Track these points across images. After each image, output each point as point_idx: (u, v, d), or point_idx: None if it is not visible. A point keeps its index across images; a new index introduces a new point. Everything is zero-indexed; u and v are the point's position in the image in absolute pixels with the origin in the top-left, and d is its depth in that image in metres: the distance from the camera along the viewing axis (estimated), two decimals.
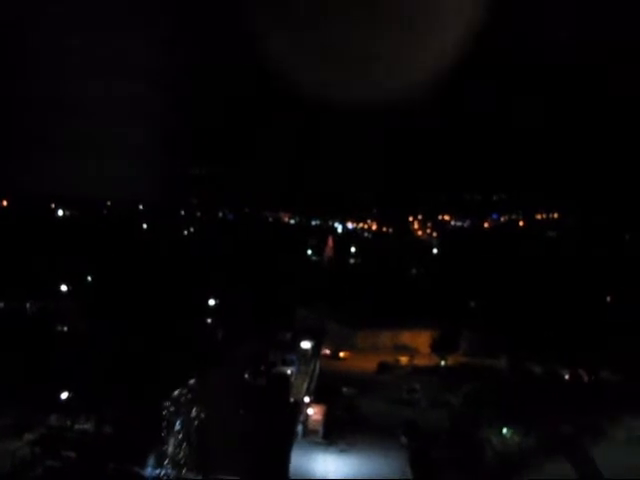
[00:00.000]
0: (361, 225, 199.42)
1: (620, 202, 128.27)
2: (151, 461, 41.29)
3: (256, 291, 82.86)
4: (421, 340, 76.66)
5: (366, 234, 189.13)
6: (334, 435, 51.37)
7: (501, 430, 49.65)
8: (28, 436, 44.09)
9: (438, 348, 73.67)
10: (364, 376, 67.94)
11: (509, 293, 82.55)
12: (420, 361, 73.57)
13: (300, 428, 51.77)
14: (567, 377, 66.41)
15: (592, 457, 45.52)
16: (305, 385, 60.26)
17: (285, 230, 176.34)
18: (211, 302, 79.90)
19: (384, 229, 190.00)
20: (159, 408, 41.93)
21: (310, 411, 53.20)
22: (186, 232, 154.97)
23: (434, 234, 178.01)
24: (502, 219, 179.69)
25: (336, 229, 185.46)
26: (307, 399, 55.92)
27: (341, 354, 76.01)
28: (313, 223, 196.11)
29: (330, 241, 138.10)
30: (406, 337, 79.82)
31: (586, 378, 65.80)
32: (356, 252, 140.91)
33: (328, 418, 52.87)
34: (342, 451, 49.26)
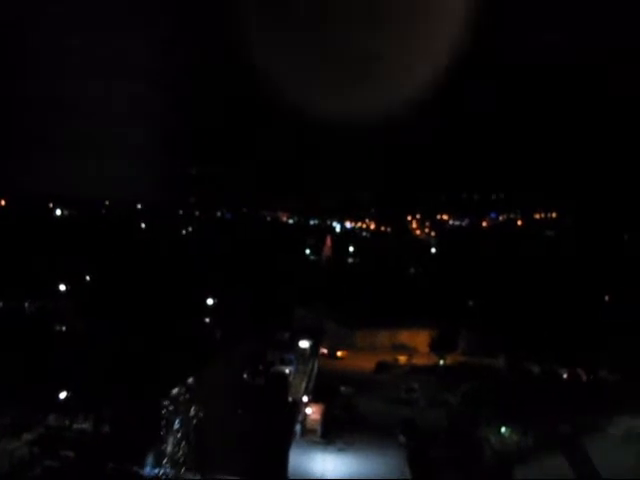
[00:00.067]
0: (359, 225, 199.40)
1: (618, 202, 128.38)
2: (150, 460, 41.32)
3: (254, 291, 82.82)
4: (419, 339, 76.72)
5: (364, 234, 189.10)
6: (332, 434, 51.41)
7: (499, 429, 49.66)
8: (26, 436, 44.03)
9: (436, 347, 73.74)
10: (362, 375, 68.03)
11: (507, 292, 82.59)
12: (418, 360, 73.64)
13: (298, 427, 51.82)
14: (565, 376, 66.47)
15: (590, 456, 45.52)
16: (303, 384, 60.29)
17: (283, 229, 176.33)
18: (209, 302, 79.85)
19: (382, 228, 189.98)
20: (158, 407, 41.95)
21: (308, 410, 53.24)
22: (184, 232, 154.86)
23: (432, 233, 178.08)
24: (500, 218, 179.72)
25: (334, 228, 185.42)
26: (305, 398, 55.96)
27: (338, 353, 76.13)
28: (311, 223, 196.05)
29: (328, 241, 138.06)
30: (404, 336, 79.89)
31: (584, 377, 65.86)
32: (354, 251, 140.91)
33: (326, 417, 52.93)
34: (340, 450, 49.30)
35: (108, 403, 46.11)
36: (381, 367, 71.70)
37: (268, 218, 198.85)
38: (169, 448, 41.20)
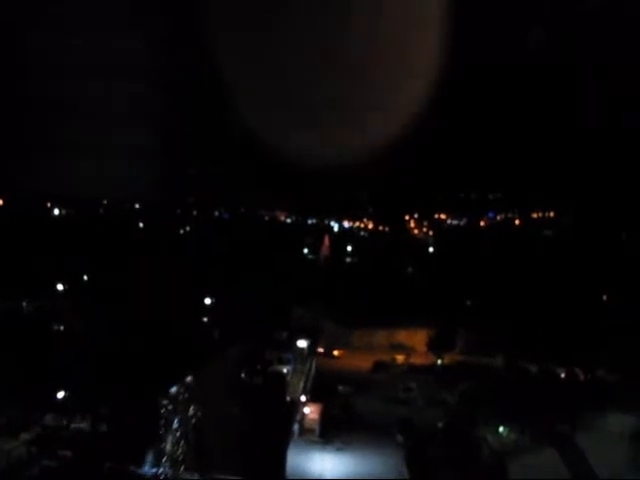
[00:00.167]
0: (357, 224, 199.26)
1: (616, 201, 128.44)
2: (149, 460, 41.31)
3: (252, 290, 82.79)
4: (417, 339, 76.78)
5: (362, 233, 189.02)
6: (330, 434, 51.46)
7: (497, 428, 49.72)
8: (24, 435, 43.98)
9: (434, 347, 73.80)
10: (360, 375, 68.08)
11: (505, 292, 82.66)
12: (416, 360, 73.70)
13: (296, 427, 51.83)
14: (563, 376, 66.56)
15: (586, 456, 45.60)
16: (301, 384, 60.27)
17: (281, 229, 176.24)
18: (207, 301, 79.83)
19: (380, 228, 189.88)
20: (156, 406, 41.93)
21: (306, 410, 53.28)
22: (182, 231, 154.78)
23: (430, 233, 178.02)
24: (498, 218, 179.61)
25: (332, 228, 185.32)
26: (303, 398, 55.97)
27: (335, 352, 76.19)
28: (309, 222, 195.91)
29: (326, 240, 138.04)
30: (402, 336, 79.94)
31: (582, 377, 65.95)
32: (352, 251, 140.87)
33: (324, 417, 52.97)
34: (338, 450, 49.34)
35: (106, 402, 46.08)
36: (379, 366, 71.74)
37: (266, 217, 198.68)
38: (168, 447, 41.19)
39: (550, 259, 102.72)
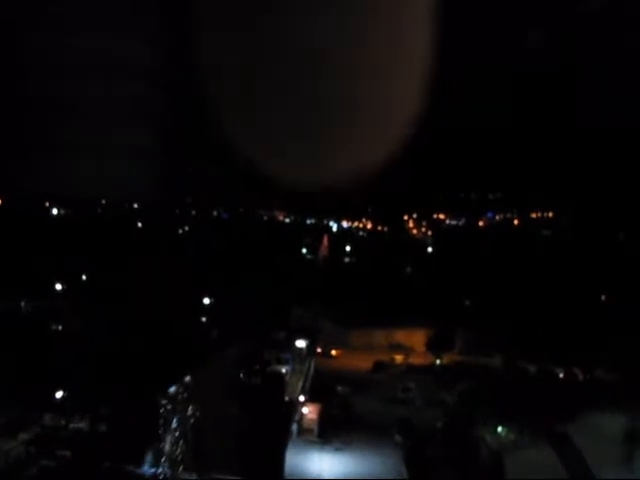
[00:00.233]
0: (356, 224, 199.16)
1: (615, 201, 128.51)
2: (147, 460, 41.28)
3: (251, 290, 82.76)
4: (416, 339, 76.79)
5: (361, 233, 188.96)
6: (329, 434, 51.43)
7: (496, 428, 49.75)
8: (23, 435, 43.96)
9: (433, 347, 73.82)
10: (359, 375, 68.05)
11: (504, 292, 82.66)
12: (415, 360, 73.70)
13: (295, 427, 51.81)
14: (562, 376, 66.60)
15: (584, 456, 45.67)
16: (300, 384, 60.27)
17: (280, 229, 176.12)
18: (206, 301, 79.79)
19: (379, 228, 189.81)
20: (156, 406, 41.91)
21: (305, 410, 53.26)
22: (181, 231, 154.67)
23: (429, 233, 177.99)
24: (497, 218, 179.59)
25: (331, 228, 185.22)
26: (302, 398, 55.94)
27: (333, 352, 76.18)
28: (308, 222, 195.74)
29: (325, 240, 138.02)
30: (401, 336, 79.95)
31: (581, 377, 66.00)
32: (351, 251, 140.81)
33: (323, 417, 52.94)
34: (337, 450, 49.32)
35: (104, 402, 46.05)
36: (378, 366, 71.72)
37: (265, 217, 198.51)
38: (167, 447, 41.18)
39: (549, 259, 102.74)
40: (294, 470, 44.88)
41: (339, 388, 60.86)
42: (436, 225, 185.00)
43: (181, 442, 41.39)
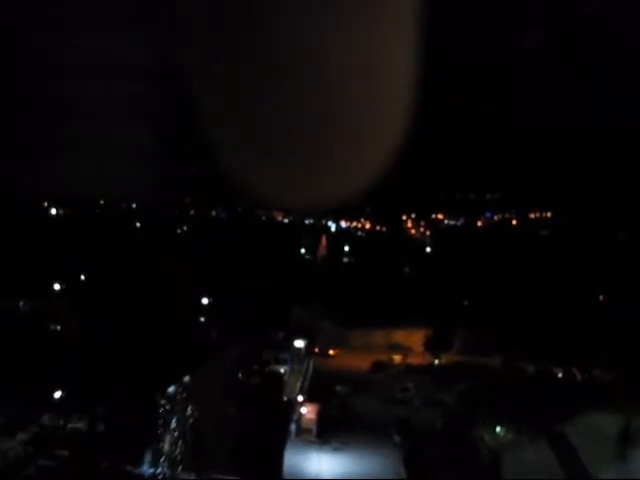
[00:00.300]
0: (355, 224, 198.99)
1: (614, 201, 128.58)
2: (146, 460, 41.27)
3: (250, 290, 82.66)
4: (414, 339, 76.70)
5: (359, 233, 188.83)
6: (328, 434, 51.40)
7: (494, 428, 49.74)
8: (21, 435, 43.93)
9: (432, 347, 73.74)
10: (358, 375, 67.98)
11: (503, 292, 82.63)
12: (414, 360, 73.64)
13: (293, 427, 51.80)
14: (560, 376, 66.60)
15: (581, 456, 45.73)
16: (299, 384, 60.29)
17: (278, 229, 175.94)
18: (204, 301, 79.71)
19: (378, 228, 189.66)
20: (155, 406, 41.91)
21: (304, 410, 53.25)
22: (179, 230, 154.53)
23: (427, 233, 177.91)
24: (495, 218, 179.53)
25: (330, 228, 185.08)
26: (301, 398, 55.94)
27: (330, 352, 76.12)
28: (307, 222, 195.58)
29: (324, 240, 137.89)
30: (399, 336, 79.86)
31: (579, 377, 66.01)
32: (350, 251, 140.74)
33: (322, 417, 52.92)
34: (336, 450, 49.28)
35: (103, 402, 46.04)
36: (377, 367, 71.68)
37: (263, 217, 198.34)
38: (166, 447, 41.17)
39: (547, 259, 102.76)
40: (293, 470, 44.87)
41: (338, 388, 60.82)
42: (434, 225, 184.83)
43: (180, 442, 41.39)
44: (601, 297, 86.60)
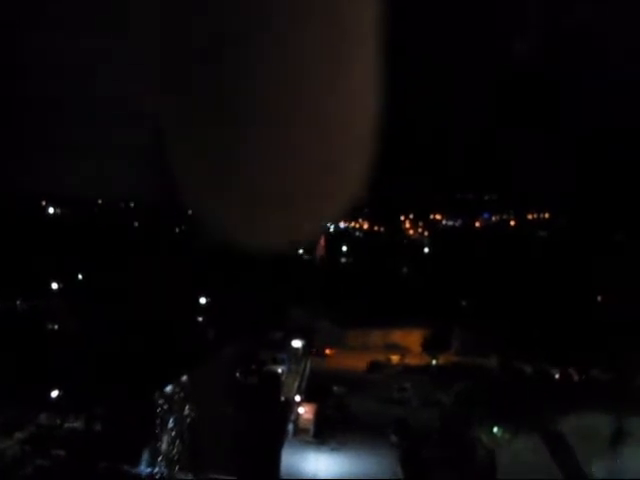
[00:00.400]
0: (353, 224, 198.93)
1: (612, 202, 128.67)
2: (144, 459, 41.29)
3: (247, 290, 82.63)
4: (412, 339, 76.71)
5: (358, 233, 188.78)
6: (325, 434, 51.38)
7: (492, 429, 49.77)
8: (18, 435, 43.93)
9: (429, 347, 73.76)
10: (355, 375, 67.97)
11: (501, 292, 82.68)
12: (411, 360, 73.64)
13: (291, 427, 51.81)
14: (557, 376, 66.66)
15: (578, 457, 45.79)
16: (296, 384, 60.30)
17: None
18: (202, 300, 79.69)
19: (376, 228, 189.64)
20: (151, 406, 41.93)
21: (301, 410, 53.24)
22: (178, 230, 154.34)
23: (425, 233, 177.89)
24: (493, 218, 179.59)
25: (328, 228, 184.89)
26: (298, 398, 55.96)
27: (327, 351, 76.15)
28: None
29: (322, 240, 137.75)
30: (397, 336, 79.87)
31: (576, 377, 66.07)
32: (348, 251, 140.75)
33: (319, 417, 52.92)
34: (333, 450, 49.27)
35: (100, 402, 46.04)
36: (374, 367, 71.69)
37: None
38: (164, 447, 41.20)
39: (545, 260, 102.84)
40: (290, 470, 44.88)
41: (335, 388, 60.82)
42: (432, 226, 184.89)
43: (177, 442, 41.41)
44: (599, 298, 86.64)
